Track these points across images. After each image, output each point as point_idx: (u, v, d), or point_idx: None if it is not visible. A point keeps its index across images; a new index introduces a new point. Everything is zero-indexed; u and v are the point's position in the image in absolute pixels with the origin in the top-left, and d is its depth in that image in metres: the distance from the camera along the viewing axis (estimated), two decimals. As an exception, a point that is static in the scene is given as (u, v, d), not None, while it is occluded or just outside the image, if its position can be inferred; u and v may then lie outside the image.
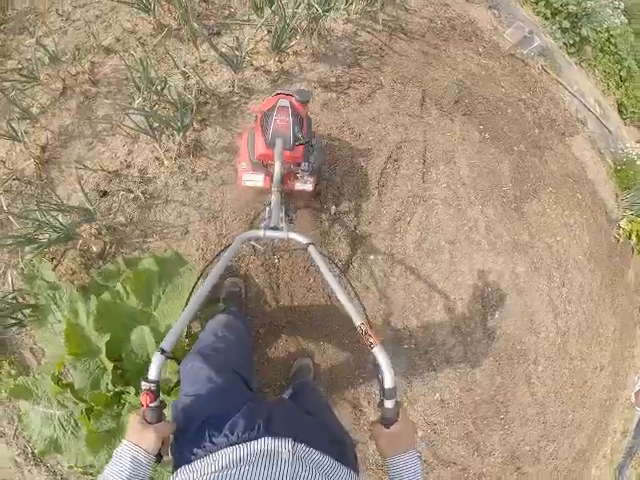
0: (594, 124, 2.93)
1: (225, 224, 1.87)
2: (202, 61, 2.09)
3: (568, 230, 2.60)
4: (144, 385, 0.68)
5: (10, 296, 1.44)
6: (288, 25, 1.95)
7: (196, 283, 0.98)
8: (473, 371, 2.21)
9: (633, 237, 2.90)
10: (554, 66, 2.87)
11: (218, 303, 1.69)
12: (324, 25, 2.30)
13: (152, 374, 0.69)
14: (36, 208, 1.50)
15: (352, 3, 2.37)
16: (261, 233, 1.10)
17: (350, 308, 0.85)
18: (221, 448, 0.65)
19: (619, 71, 3.07)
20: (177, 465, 0.69)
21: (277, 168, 1.22)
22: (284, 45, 2.01)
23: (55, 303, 1.30)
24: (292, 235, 1.11)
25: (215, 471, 0.59)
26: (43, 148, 1.82)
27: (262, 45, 2.21)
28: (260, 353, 1.81)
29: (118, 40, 2.16)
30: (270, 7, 2.09)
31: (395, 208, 2.06)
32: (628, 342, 3.22)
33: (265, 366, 1.83)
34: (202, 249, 1.81)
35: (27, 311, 1.42)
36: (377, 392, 1.96)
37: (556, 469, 2.75)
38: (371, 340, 0.76)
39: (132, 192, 1.78)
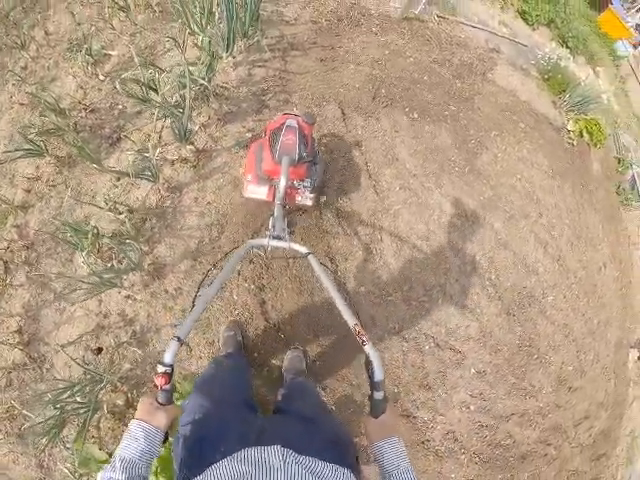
0: (507, 46, 3.06)
1: (217, 323, 2.02)
2: (118, 179, 2.14)
3: (524, 163, 2.80)
4: (160, 368, 0.78)
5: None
6: (182, 112, 2.01)
7: (201, 282, 1.19)
8: (493, 334, 2.46)
9: (584, 134, 3.13)
10: (447, 8, 2.95)
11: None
12: (215, 84, 2.33)
13: (167, 358, 0.80)
14: (47, 393, 1.63)
15: (232, 46, 2.39)
16: (265, 241, 1.28)
17: (345, 311, 0.97)
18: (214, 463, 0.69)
19: (509, -19, 3.18)
20: None
21: (282, 183, 1.38)
22: (188, 130, 2.07)
23: (117, 472, 1.49)
24: (293, 245, 1.28)
25: None
26: (19, 332, 1.90)
27: (166, 133, 2.25)
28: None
29: (28, 192, 2.18)
30: (156, 92, 2.13)
31: (363, 233, 2.21)
32: (619, 227, 3.54)
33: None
34: (211, 356, 1.96)
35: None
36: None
37: (603, 368, 3.11)
38: (363, 338, 0.89)
39: (123, 339, 1.89)
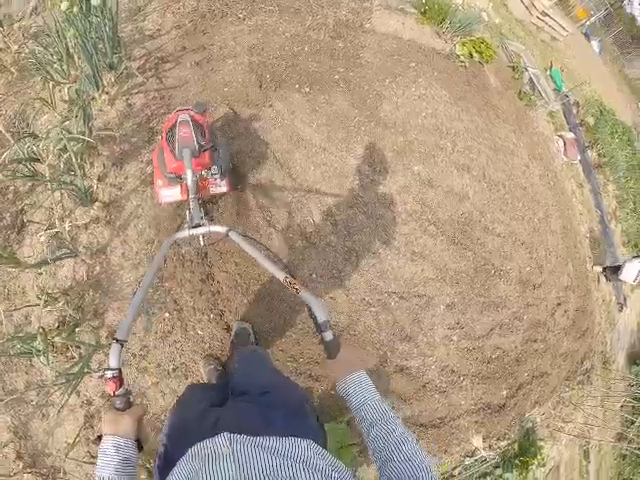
0: (377, -9, 3.12)
1: (194, 363, 2.07)
2: (40, 269, 2.06)
3: (425, 99, 2.95)
4: (108, 373, 0.79)
5: None
6: (75, 175, 1.95)
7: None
8: (448, 267, 2.69)
9: (474, 54, 3.32)
10: (307, -29, 2.93)
11: None
12: (97, 129, 2.24)
13: (113, 362, 0.80)
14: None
15: (102, 82, 2.28)
16: (186, 232, 1.33)
17: (274, 269, 1.02)
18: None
19: None
20: None
21: (189, 176, 1.44)
22: (89, 190, 2.01)
23: None
24: (213, 227, 1.36)
25: None
26: (19, 458, 1.85)
27: (68, 199, 2.17)
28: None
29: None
30: (40, 162, 2.03)
31: (294, 222, 2.28)
32: (530, 127, 3.86)
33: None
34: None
35: None
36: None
37: (558, 257, 3.49)
38: (296, 287, 0.92)
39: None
